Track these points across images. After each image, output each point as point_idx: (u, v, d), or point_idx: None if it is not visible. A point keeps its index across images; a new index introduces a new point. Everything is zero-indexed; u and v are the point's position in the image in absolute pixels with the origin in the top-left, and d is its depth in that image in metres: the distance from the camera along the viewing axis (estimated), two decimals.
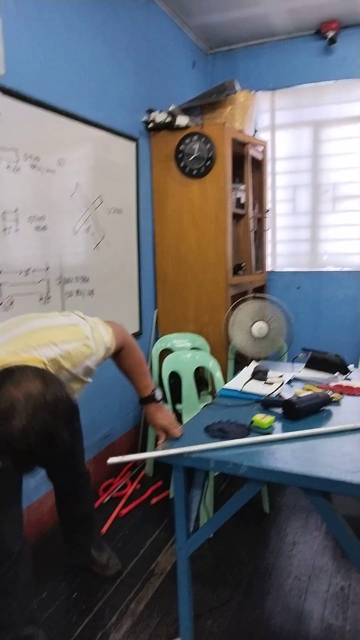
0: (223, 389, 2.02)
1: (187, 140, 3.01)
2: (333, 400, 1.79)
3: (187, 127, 3.00)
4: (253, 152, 3.36)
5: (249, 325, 2.95)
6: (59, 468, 1.87)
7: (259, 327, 2.94)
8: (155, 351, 2.99)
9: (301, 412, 1.67)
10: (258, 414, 1.63)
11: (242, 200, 3.37)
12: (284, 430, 1.59)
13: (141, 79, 2.97)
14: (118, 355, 1.58)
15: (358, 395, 1.89)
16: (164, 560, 2.16)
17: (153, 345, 3.06)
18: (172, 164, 3.08)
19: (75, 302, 2.43)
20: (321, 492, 1.33)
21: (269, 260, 3.82)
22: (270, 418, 1.59)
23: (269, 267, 3.82)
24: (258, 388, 1.96)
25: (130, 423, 3.11)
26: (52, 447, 1.09)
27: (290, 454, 1.42)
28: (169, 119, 2.99)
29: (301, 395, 1.79)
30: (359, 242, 3.59)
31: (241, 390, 1.95)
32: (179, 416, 2.67)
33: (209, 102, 3.08)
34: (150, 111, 3.01)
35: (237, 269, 3.33)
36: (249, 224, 3.37)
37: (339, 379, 2.08)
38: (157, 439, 1.60)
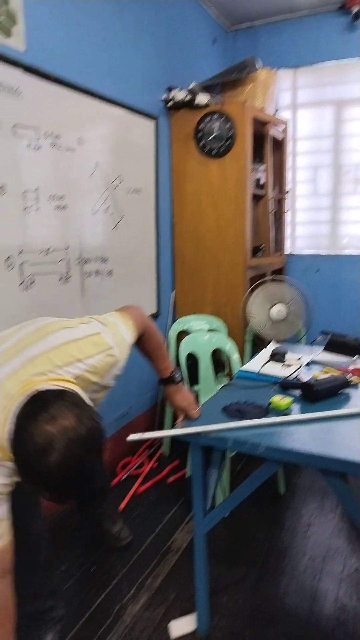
0: (240, 370, 2.02)
1: (207, 119, 2.96)
2: (351, 383, 1.78)
3: (207, 105, 2.95)
4: (274, 131, 3.30)
5: (268, 307, 2.93)
6: None
7: (278, 310, 2.92)
8: (173, 332, 2.99)
9: (319, 395, 1.67)
10: (276, 395, 1.63)
11: (262, 181, 3.32)
12: (302, 412, 1.59)
13: (161, 56, 2.92)
14: (139, 340, 1.58)
15: None
16: (181, 537, 2.19)
17: (170, 327, 3.06)
18: (192, 144, 3.04)
19: (94, 283, 2.44)
20: (338, 473, 1.34)
21: (289, 242, 3.78)
22: (288, 399, 1.59)
23: (288, 249, 3.78)
24: (276, 370, 1.96)
25: (148, 403, 3.13)
26: (89, 482, 1.11)
27: (309, 435, 1.42)
28: (188, 97, 2.94)
29: (319, 377, 1.78)
30: None
31: (259, 372, 1.95)
32: (196, 397, 2.68)
33: (229, 80, 3.02)
34: (170, 89, 2.97)
35: (255, 250, 3.30)
36: (269, 205, 3.32)
37: (358, 363, 2.07)
38: (175, 418, 1.61)
